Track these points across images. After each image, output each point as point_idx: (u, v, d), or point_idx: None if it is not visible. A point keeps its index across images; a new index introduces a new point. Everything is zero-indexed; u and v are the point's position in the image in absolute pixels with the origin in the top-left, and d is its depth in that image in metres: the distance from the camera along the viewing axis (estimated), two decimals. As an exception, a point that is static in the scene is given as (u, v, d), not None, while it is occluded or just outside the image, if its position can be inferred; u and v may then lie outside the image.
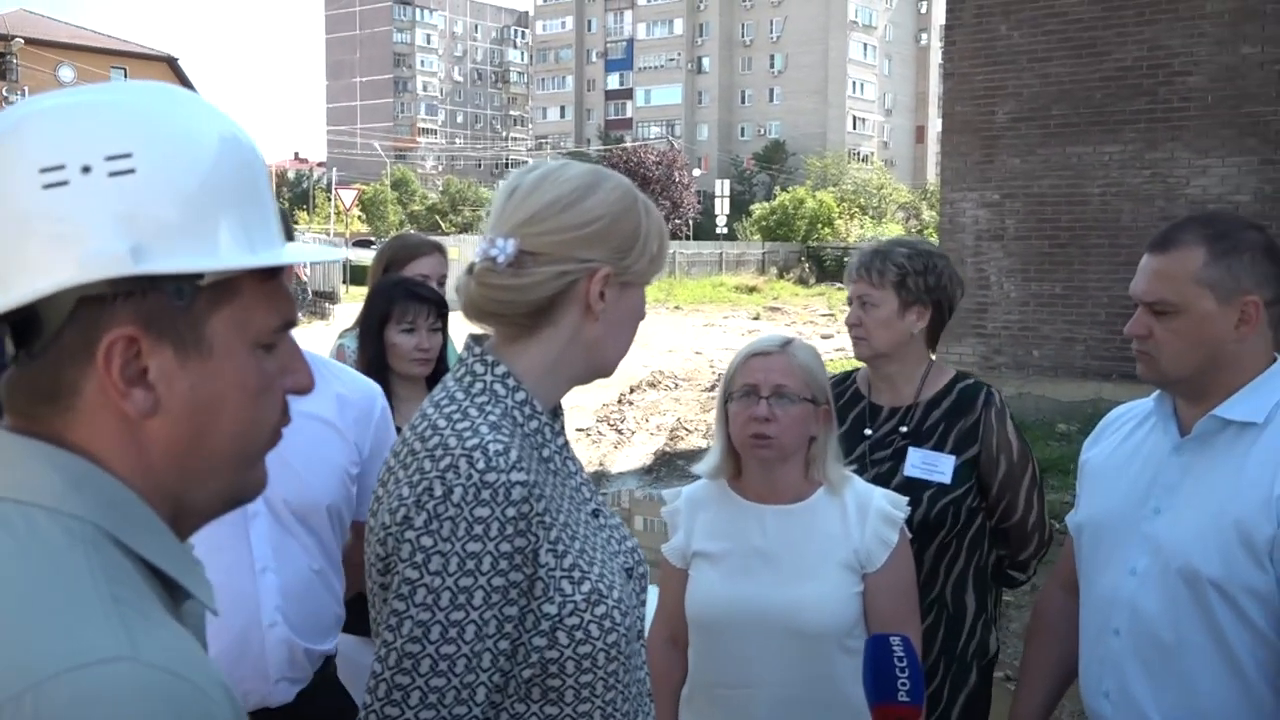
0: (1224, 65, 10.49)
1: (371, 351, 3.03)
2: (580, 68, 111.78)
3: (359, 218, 58.57)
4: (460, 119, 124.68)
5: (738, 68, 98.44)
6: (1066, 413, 11.27)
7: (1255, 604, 1.89)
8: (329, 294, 25.58)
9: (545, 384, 1.50)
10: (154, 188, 0.88)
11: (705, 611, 2.33)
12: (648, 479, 9.96)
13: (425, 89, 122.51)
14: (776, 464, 2.33)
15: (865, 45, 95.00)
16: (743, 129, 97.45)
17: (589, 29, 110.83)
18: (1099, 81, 11.13)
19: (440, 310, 3.08)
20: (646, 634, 1.64)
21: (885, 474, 2.73)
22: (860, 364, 2.94)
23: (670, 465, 10.43)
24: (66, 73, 46.12)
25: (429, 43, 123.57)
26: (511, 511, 1.36)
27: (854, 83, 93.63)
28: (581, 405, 12.29)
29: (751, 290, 34.32)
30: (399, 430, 2.99)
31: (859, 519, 2.32)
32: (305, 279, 24.53)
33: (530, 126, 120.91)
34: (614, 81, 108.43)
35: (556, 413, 1.55)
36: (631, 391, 14.21)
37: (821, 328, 23.64)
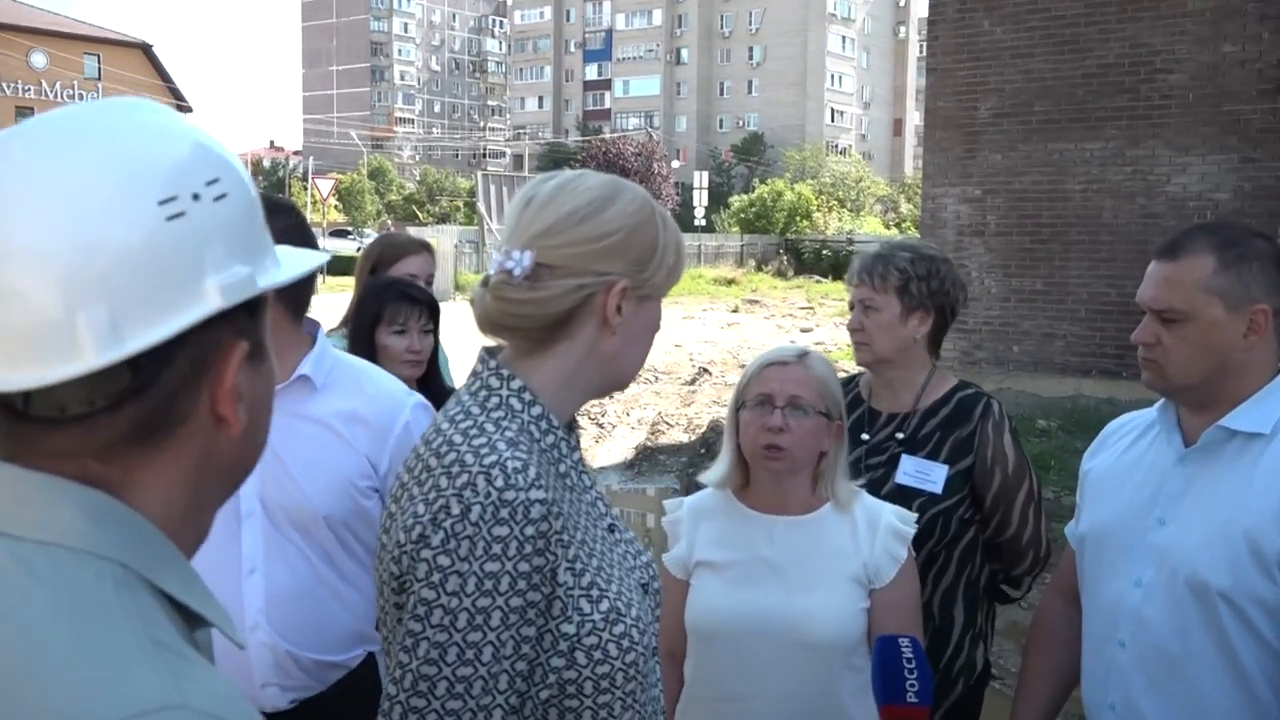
0: (1205, 63, 10.53)
1: (362, 353, 2.98)
2: (558, 58, 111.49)
3: (336, 207, 58.20)
4: (438, 108, 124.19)
5: (716, 59, 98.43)
6: (1046, 408, 11.32)
7: (1263, 615, 1.88)
8: (305, 284, 25.26)
9: (561, 398, 1.47)
10: (242, 209, 0.90)
11: (708, 621, 2.29)
12: (629, 473, 9.94)
13: (402, 78, 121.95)
14: (786, 476, 2.30)
15: (844, 38, 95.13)
16: (721, 121, 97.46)
17: (567, 19, 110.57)
18: (1081, 78, 11.16)
19: (432, 312, 3.05)
20: None
21: (878, 480, 2.69)
22: (862, 369, 2.91)
23: (651, 459, 10.41)
24: (39, 59, 45.63)
25: (406, 31, 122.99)
26: (530, 530, 1.33)
27: (832, 75, 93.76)
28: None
29: (730, 283, 34.32)
30: None
31: (869, 533, 2.29)
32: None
33: (508, 117, 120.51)
34: (592, 72, 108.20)
35: (571, 426, 1.52)
36: (612, 385, 14.11)
37: (800, 321, 23.66)
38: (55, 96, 45.27)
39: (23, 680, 0.75)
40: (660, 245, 1.48)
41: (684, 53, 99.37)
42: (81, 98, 40.62)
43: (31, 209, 0.81)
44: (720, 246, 42.24)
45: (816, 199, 47.67)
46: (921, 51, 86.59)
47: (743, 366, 13.71)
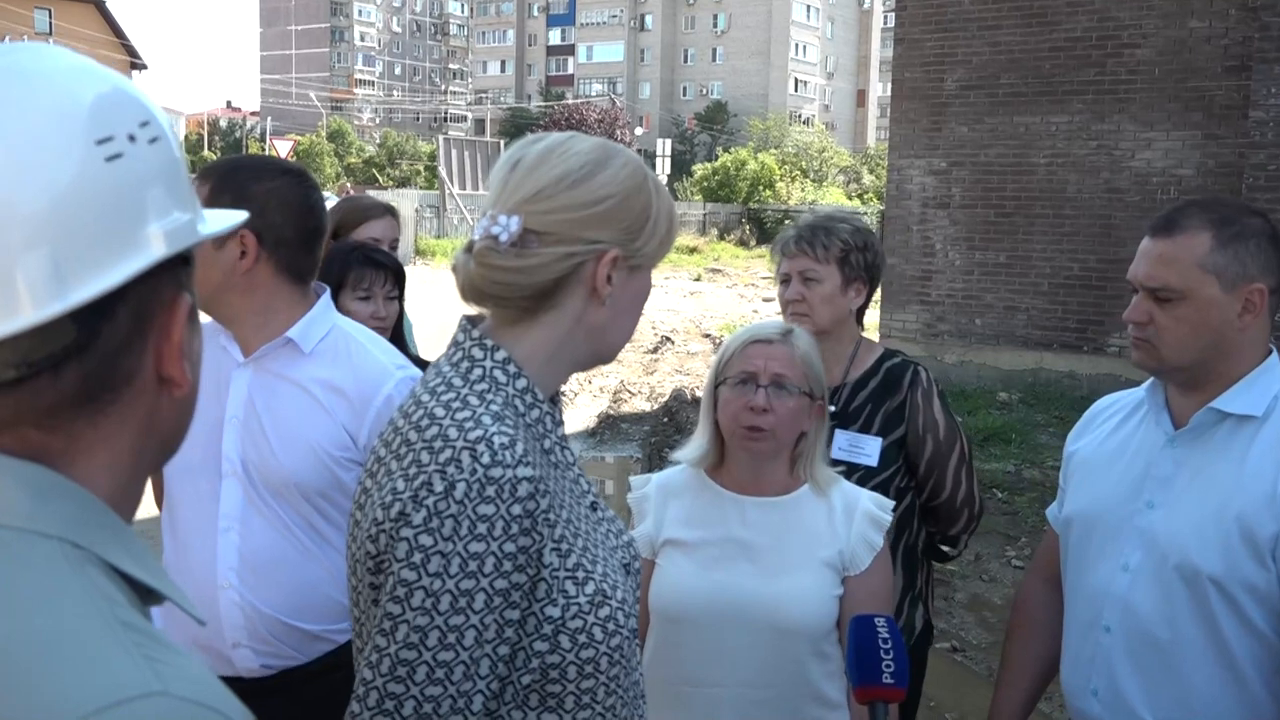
0: (1171, 39, 10.55)
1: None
2: (521, 22, 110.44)
3: (294, 169, 57.16)
4: (398, 71, 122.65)
5: (681, 26, 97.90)
6: (1007, 381, 11.38)
7: (1254, 602, 1.85)
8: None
9: (546, 370, 1.41)
10: (173, 154, 0.85)
11: (674, 602, 2.21)
12: (591, 441, 9.89)
13: (363, 39, 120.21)
14: (766, 457, 2.23)
15: (808, 7, 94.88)
16: (685, 88, 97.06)
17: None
18: (1048, 51, 11.15)
19: (397, 278, 2.95)
20: None
21: None
22: None
23: (614, 428, 10.36)
24: (-12, 12, 44.49)
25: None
26: (517, 509, 1.27)
27: (796, 45, 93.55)
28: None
29: (692, 251, 34.26)
30: None
31: (845, 519, 2.23)
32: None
33: (470, 80, 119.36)
34: (555, 37, 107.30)
35: (555, 400, 1.45)
36: (574, 353, 14.04)
37: (763, 290, 23.67)
38: (4, 51, 44.08)
39: None
40: (653, 213, 1.41)
41: (648, 19, 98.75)
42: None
43: None
44: (683, 215, 42.11)
45: (780, 169, 47.63)
46: (886, 22, 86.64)
47: (706, 336, 13.75)
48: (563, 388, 1.49)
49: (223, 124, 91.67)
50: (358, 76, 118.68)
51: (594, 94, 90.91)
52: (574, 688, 1.34)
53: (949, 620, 5.75)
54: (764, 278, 26.91)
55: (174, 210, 0.83)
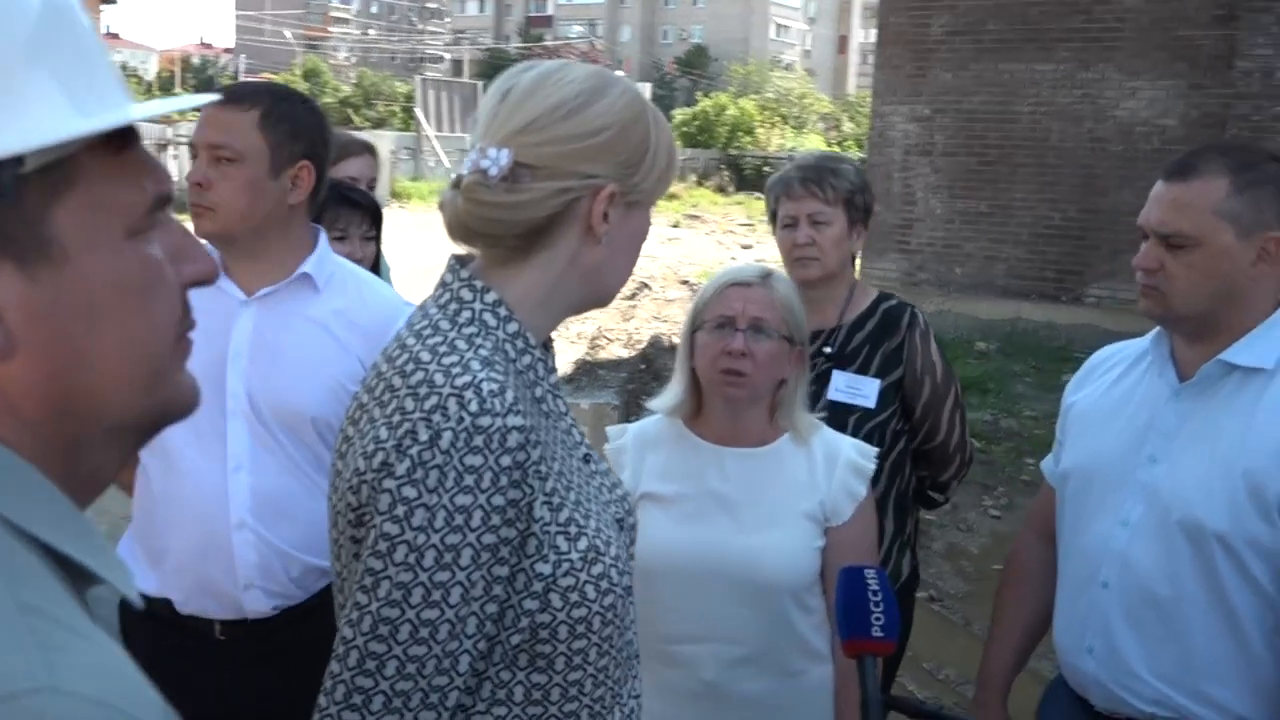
0: (1160, -14, 10.44)
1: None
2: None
3: (268, 108, 56.33)
4: (375, 9, 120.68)
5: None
6: (986, 331, 11.36)
7: (1259, 559, 1.81)
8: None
9: (538, 314, 1.33)
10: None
11: (654, 558, 2.14)
12: (569, 388, 9.82)
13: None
14: (744, 404, 2.16)
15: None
16: (665, 32, 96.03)
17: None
18: (1035, -3, 11.01)
19: (374, 218, 2.85)
20: None
21: (810, 397, 2.63)
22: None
23: (591, 374, 10.30)
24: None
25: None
26: (507, 460, 1.20)
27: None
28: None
29: (670, 197, 33.88)
30: None
31: (826, 469, 2.17)
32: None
33: (447, 20, 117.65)
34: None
35: (547, 346, 1.37)
36: (551, 298, 13.95)
37: (741, 237, 23.57)
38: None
39: None
40: (651, 146, 1.33)
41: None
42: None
43: None
44: (661, 160, 41.66)
45: (760, 115, 47.27)
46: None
47: (684, 282, 13.69)
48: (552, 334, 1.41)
49: (195, 61, 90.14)
50: (334, 14, 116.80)
51: (573, 36, 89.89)
52: (565, 648, 1.28)
53: (926, 570, 5.72)
54: (742, 224, 26.79)
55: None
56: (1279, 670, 1.84)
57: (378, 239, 2.89)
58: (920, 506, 2.95)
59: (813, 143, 44.65)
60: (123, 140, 0.73)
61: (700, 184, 38.82)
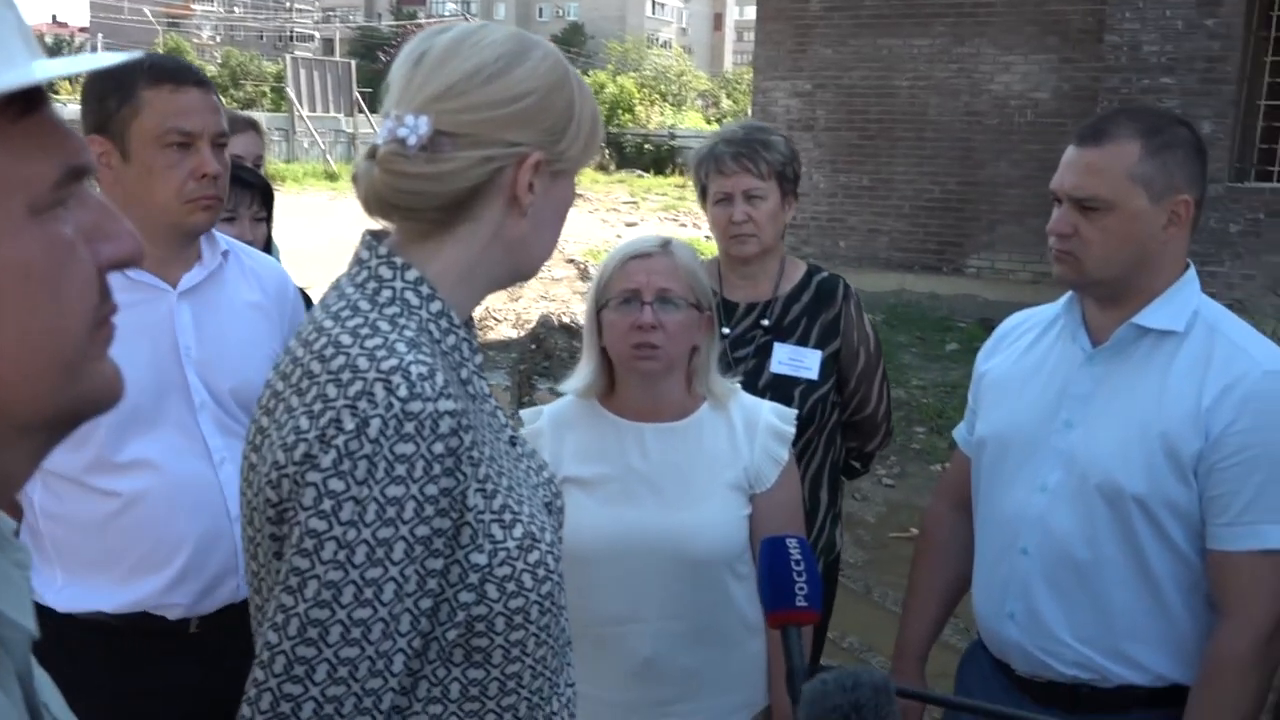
0: (1030, -38, 10.69)
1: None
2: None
3: (130, 90, 54.32)
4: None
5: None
6: (871, 303, 11.41)
7: (1175, 520, 1.83)
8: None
9: (461, 291, 1.26)
10: None
11: (581, 544, 2.09)
12: (482, 373, 9.69)
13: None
14: (659, 378, 2.12)
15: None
16: (541, 9, 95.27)
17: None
18: (911, -27, 11.18)
19: (265, 198, 2.72)
20: None
21: (751, 371, 2.64)
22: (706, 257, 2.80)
23: (481, 355, 10.17)
24: None
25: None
26: (439, 447, 1.13)
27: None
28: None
29: (552, 176, 33.82)
30: None
31: (747, 436, 2.14)
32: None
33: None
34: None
35: (470, 325, 1.30)
36: (436, 280, 13.75)
37: (625, 215, 23.54)
38: None
39: None
40: (577, 112, 1.26)
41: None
42: None
43: None
44: (541, 139, 41.42)
45: (639, 93, 47.26)
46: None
47: (570, 261, 13.56)
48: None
49: (49, 41, 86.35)
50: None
51: (448, 14, 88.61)
52: (502, 640, 1.22)
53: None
54: (625, 202, 26.77)
55: None
56: (1196, 628, 1.87)
57: (269, 219, 2.76)
58: (843, 478, 2.95)
59: (692, 120, 44.90)
60: (25, 103, 0.64)
61: (581, 162, 38.59)
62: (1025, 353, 2.10)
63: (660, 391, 2.14)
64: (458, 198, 1.21)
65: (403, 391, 1.11)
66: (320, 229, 14.36)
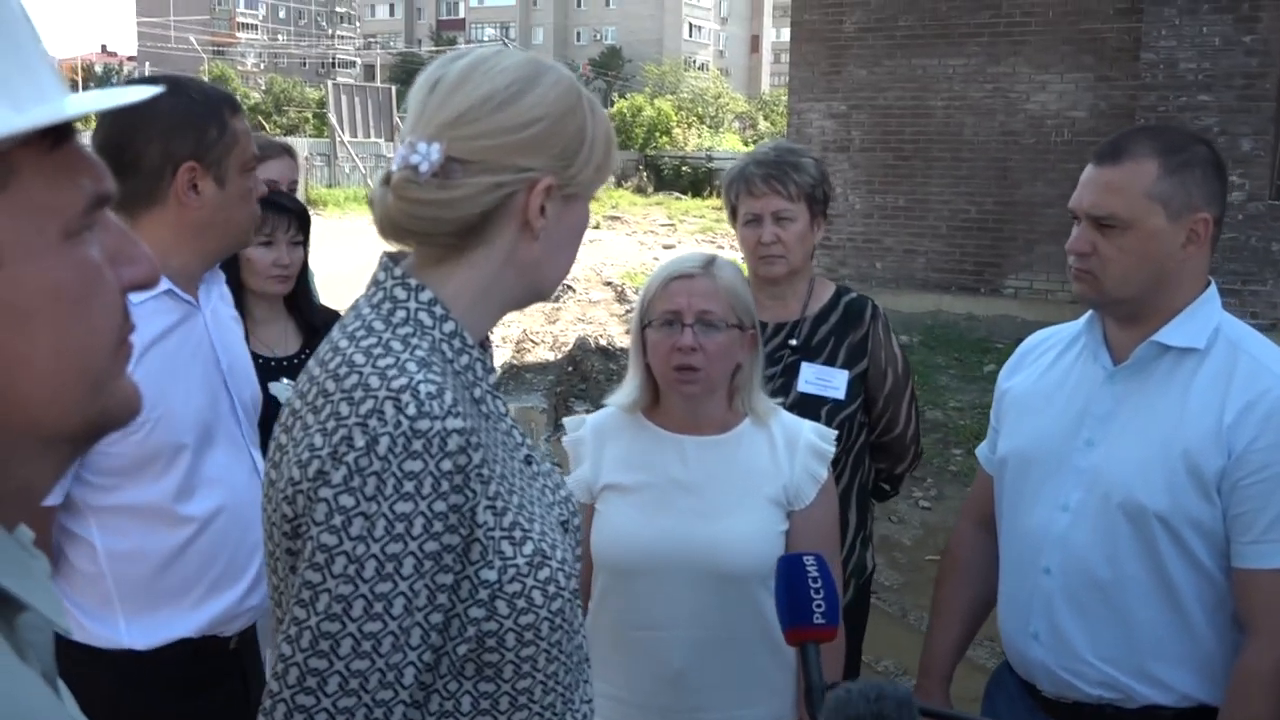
0: (1065, -19, 10.66)
1: (223, 268, 2.69)
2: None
3: (175, 117, 55.09)
4: (282, 14, 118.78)
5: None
6: (908, 324, 11.49)
7: (1199, 538, 1.82)
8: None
9: (476, 312, 1.28)
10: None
11: (618, 550, 2.13)
12: (497, 392, 9.74)
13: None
14: (700, 396, 2.14)
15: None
16: (579, 34, 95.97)
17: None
18: (945, -7, 11.19)
19: (301, 222, 2.77)
20: None
21: (778, 391, 2.63)
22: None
23: (518, 378, 10.22)
24: None
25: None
26: (447, 464, 1.15)
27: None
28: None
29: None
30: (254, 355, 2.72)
31: (788, 452, 2.16)
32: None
33: (358, 24, 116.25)
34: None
35: (485, 345, 1.33)
36: (474, 303, 13.84)
37: (662, 237, 23.59)
38: None
39: None
40: (588, 136, 1.29)
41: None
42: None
43: None
44: (579, 162, 41.55)
45: (676, 115, 47.42)
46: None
47: (608, 284, 13.60)
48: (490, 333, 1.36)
49: (98, 70, 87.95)
50: (240, 20, 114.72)
51: (486, 39, 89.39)
52: (513, 655, 1.24)
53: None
54: (663, 224, 26.84)
55: None
56: (1221, 647, 1.86)
57: (305, 243, 2.81)
58: (873, 500, 2.94)
59: (730, 142, 44.94)
60: (58, 135, 0.68)
61: (620, 185, 38.81)
62: (1047, 371, 2.10)
63: (702, 407, 2.17)
64: (470, 223, 1.23)
65: (411, 410, 1.14)
66: (360, 252, 14.49)
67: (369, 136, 31.15)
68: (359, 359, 1.19)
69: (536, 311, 13.50)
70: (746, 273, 2.83)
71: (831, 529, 2.21)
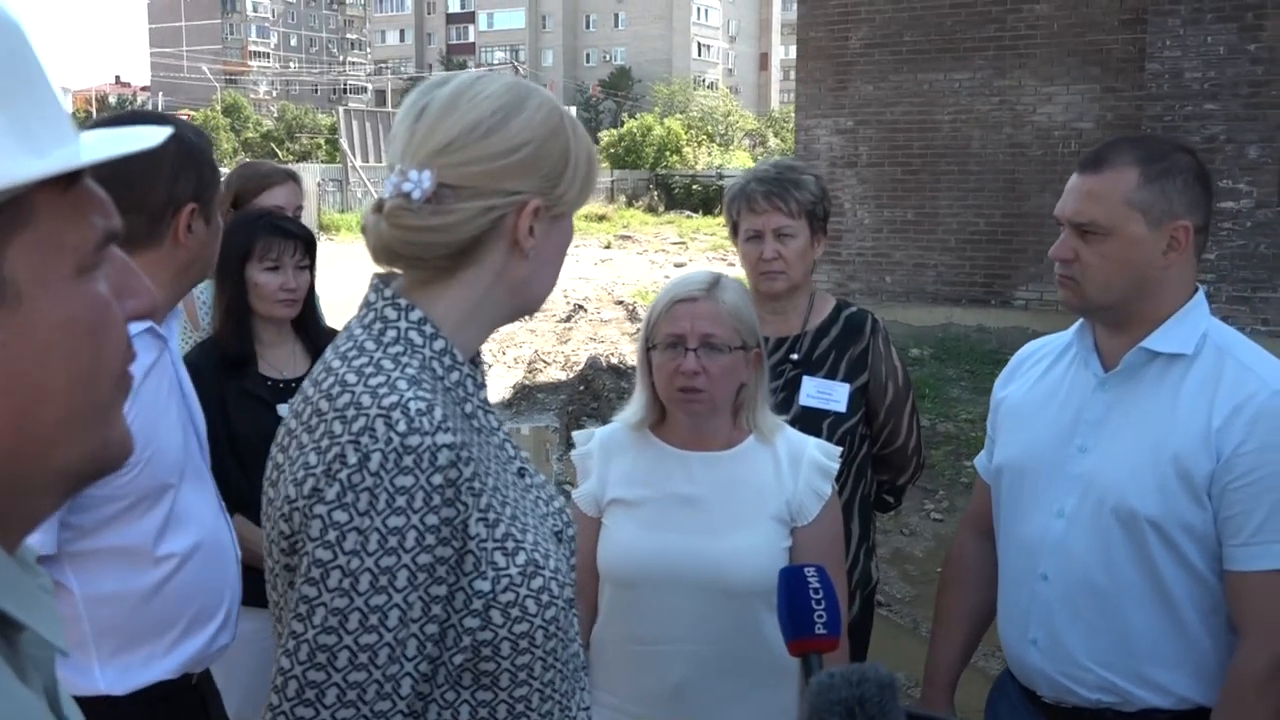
0: (1069, -7, 10.70)
1: (231, 292, 2.74)
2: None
3: (189, 146, 55.49)
4: (294, 42, 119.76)
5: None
6: (919, 337, 11.51)
7: (1191, 542, 1.84)
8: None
9: (466, 330, 1.32)
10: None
11: (622, 564, 2.16)
12: (508, 412, 9.77)
13: (255, 9, 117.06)
14: (704, 416, 2.17)
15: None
16: (588, 55, 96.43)
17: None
18: (950, 8, 11.24)
19: (308, 246, 2.82)
20: None
21: (780, 405, 2.65)
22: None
23: (530, 398, 10.26)
24: None
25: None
26: (438, 478, 1.19)
27: (698, 8, 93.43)
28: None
29: (601, 218, 34.04)
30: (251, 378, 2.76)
31: (792, 469, 2.18)
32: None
33: (369, 51, 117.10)
34: (455, 4, 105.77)
35: (476, 361, 1.37)
36: (487, 324, 13.87)
37: (674, 256, 23.66)
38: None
39: None
40: (572, 157, 1.32)
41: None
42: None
43: None
44: (590, 182, 41.67)
45: (686, 133, 47.57)
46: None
47: (619, 303, 13.60)
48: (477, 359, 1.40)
49: (112, 100, 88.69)
50: (252, 48, 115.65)
51: (496, 62, 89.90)
52: (509, 664, 1.27)
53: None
54: (674, 243, 26.91)
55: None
56: (1218, 650, 1.88)
57: (312, 268, 2.86)
58: (876, 511, 2.96)
59: (740, 160, 45.02)
60: (72, 176, 0.72)
61: (630, 204, 38.93)
62: (1040, 380, 2.12)
63: (708, 425, 2.19)
64: (462, 246, 1.27)
65: (401, 426, 1.18)
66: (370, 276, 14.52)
67: (381, 161, 31.33)
68: (351, 378, 1.23)
69: (548, 332, 13.56)
70: (748, 287, 2.87)
71: (835, 544, 2.23)
